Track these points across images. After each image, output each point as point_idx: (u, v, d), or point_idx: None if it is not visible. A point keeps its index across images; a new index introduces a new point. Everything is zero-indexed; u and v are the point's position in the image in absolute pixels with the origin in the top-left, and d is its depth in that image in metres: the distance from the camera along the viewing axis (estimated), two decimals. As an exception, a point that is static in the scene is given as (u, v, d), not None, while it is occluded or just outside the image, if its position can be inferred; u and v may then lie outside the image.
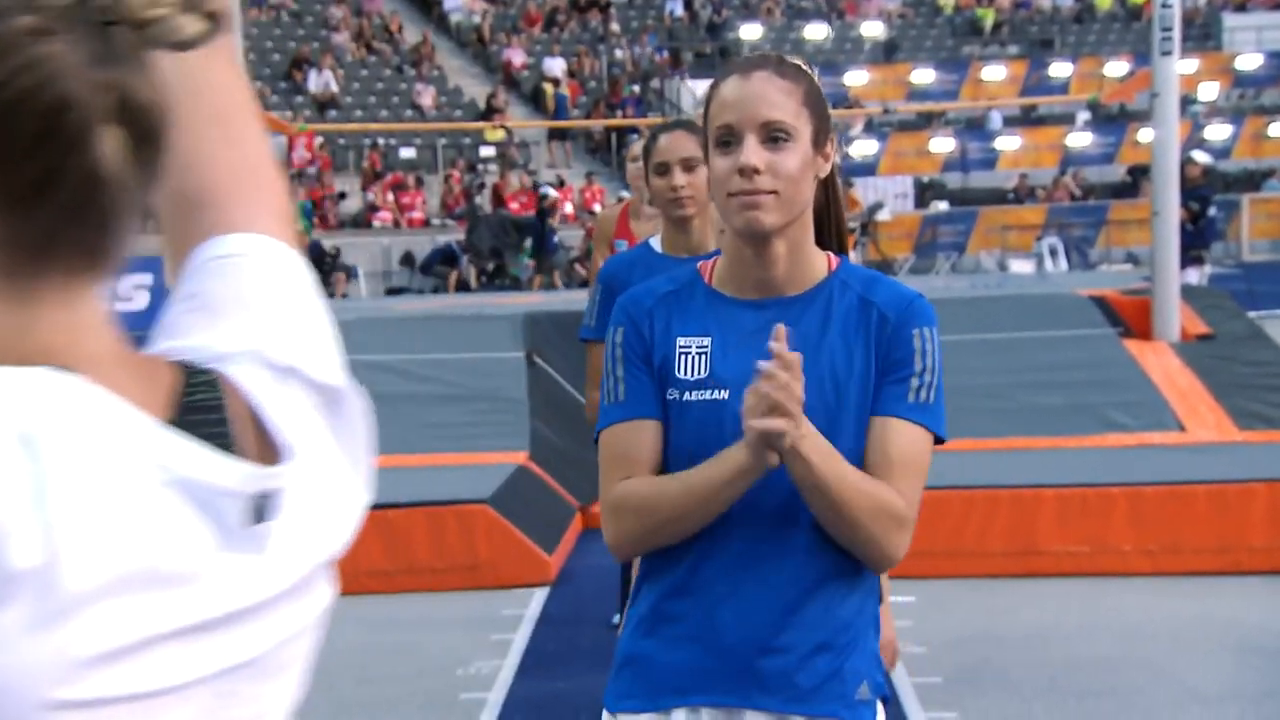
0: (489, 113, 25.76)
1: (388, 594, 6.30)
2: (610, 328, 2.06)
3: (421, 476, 7.04)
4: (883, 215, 24.83)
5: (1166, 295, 8.79)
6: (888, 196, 26.26)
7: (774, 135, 1.93)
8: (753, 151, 1.92)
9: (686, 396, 1.97)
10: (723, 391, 1.95)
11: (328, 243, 21.49)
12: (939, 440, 1.98)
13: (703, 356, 1.98)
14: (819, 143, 1.99)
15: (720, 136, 1.96)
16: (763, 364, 1.78)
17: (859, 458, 1.92)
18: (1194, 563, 6.13)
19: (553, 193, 23.41)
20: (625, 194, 18.20)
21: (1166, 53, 8.72)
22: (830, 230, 2.17)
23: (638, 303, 2.05)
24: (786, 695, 1.93)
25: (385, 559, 6.31)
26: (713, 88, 2.02)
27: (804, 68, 2.02)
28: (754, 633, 1.93)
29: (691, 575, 1.96)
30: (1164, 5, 8.68)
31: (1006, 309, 9.58)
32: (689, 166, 3.47)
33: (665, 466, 1.98)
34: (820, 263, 2.04)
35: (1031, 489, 6.27)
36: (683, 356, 1.99)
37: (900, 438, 1.93)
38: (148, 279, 19.29)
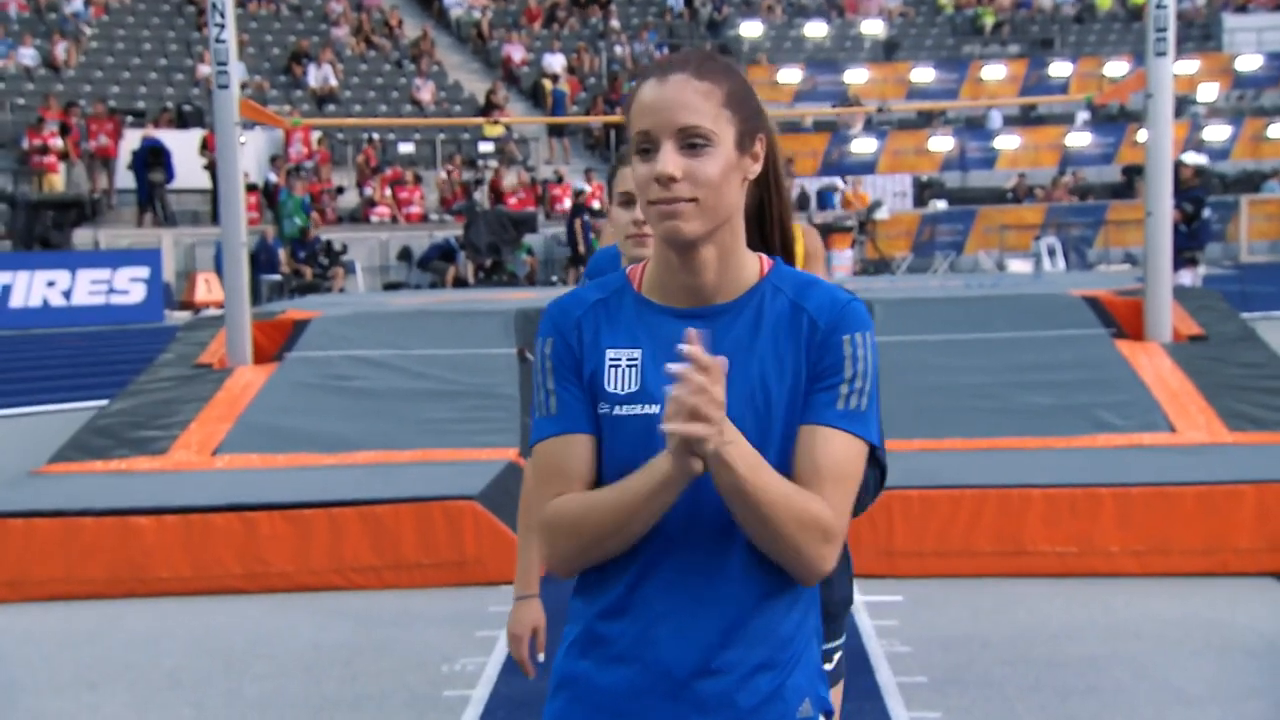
0: (488, 108, 25.74)
1: (375, 589, 6.31)
2: (539, 338, 1.99)
3: (411, 472, 7.04)
4: (881, 214, 24.83)
5: (1159, 296, 8.80)
6: (886, 195, 26.25)
7: (691, 141, 1.87)
8: (669, 159, 1.86)
9: (618, 410, 1.91)
10: (654, 405, 1.87)
11: (324, 237, 21.48)
12: (872, 448, 1.91)
13: (633, 369, 1.92)
14: (745, 144, 1.93)
15: (639, 143, 1.90)
16: (675, 367, 1.73)
17: (790, 468, 1.86)
18: (1181, 564, 6.13)
19: (587, 187, 23.43)
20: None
21: (1161, 54, 8.71)
22: (773, 232, 2.12)
23: (566, 312, 1.98)
24: (726, 716, 1.88)
25: (373, 554, 6.31)
26: (632, 91, 1.95)
27: (730, 66, 1.95)
28: (692, 653, 1.88)
29: (628, 595, 1.90)
30: (1159, 6, 8.67)
31: (1000, 309, 9.58)
32: None
33: (600, 482, 1.91)
34: (752, 267, 1.97)
35: (1020, 489, 6.27)
36: (613, 369, 1.93)
37: (829, 446, 1.86)
38: (144, 272, 19.29)
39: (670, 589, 1.89)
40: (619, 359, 1.93)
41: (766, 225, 2.12)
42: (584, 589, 1.97)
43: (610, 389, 1.92)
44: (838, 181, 25.95)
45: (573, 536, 1.89)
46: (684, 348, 1.73)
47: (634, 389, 1.91)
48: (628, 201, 3.22)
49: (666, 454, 1.79)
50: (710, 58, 1.95)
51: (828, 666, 2.96)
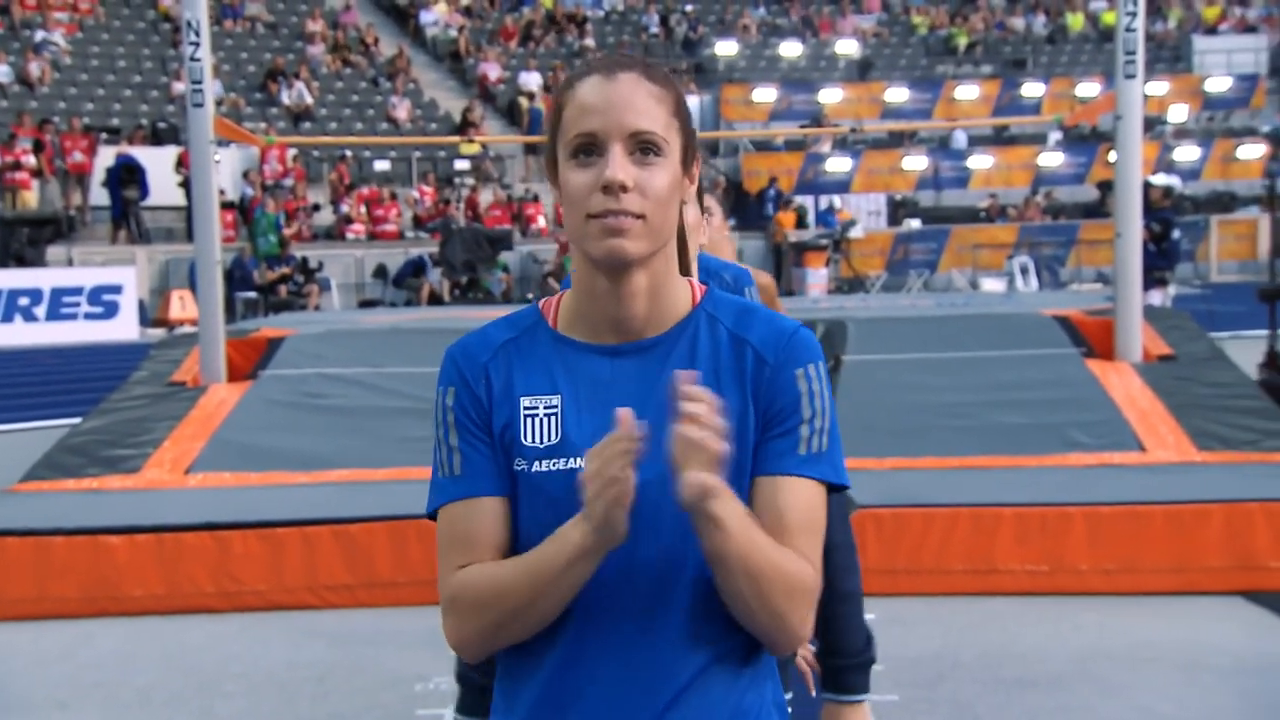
0: (464, 126, 25.77)
1: (349, 608, 6.30)
2: (440, 386, 1.74)
3: (384, 490, 7.04)
4: (855, 232, 24.95)
5: (1129, 316, 8.87)
6: (861, 214, 26.39)
7: (643, 147, 1.65)
8: (620, 165, 1.63)
9: (536, 467, 1.68)
10: (578, 459, 1.64)
11: (300, 254, 21.45)
12: (841, 487, 1.71)
13: (552, 418, 1.69)
14: (687, 161, 1.72)
15: (579, 145, 1.66)
16: (687, 397, 1.53)
17: None
18: (1150, 582, 6.18)
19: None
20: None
21: (1130, 76, 8.80)
22: (687, 261, 1.92)
23: (470, 357, 1.74)
24: None
25: (346, 572, 6.31)
26: (565, 88, 1.71)
27: (670, 74, 1.75)
28: None
29: (559, 685, 1.68)
30: (1128, 29, 8.76)
31: (971, 328, 9.65)
32: None
33: (516, 548, 1.69)
34: (684, 295, 1.75)
35: (991, 508, 6.31)
36: (529, 419, 1.69)
37: (795, 498, 1.67)
38: (119, 290, 19.21)
39: (607, 666, 1.67)
40: (535, 408, 1.70)
41: (684, 254, 1.90)
42: (507, 677, 1.75)
43: (527, 442, 1.69)
44: (837, 200, 26.15)
45: (479, 613, 1.66)
46: (685, 388, 1.54)
47: (554, 441, 1.68)
48: None
49: (580, 520, 1.58)
50: (648, 61, 1.74)
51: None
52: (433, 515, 1.75)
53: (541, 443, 1.68)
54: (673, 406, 1.55)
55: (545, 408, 1.70)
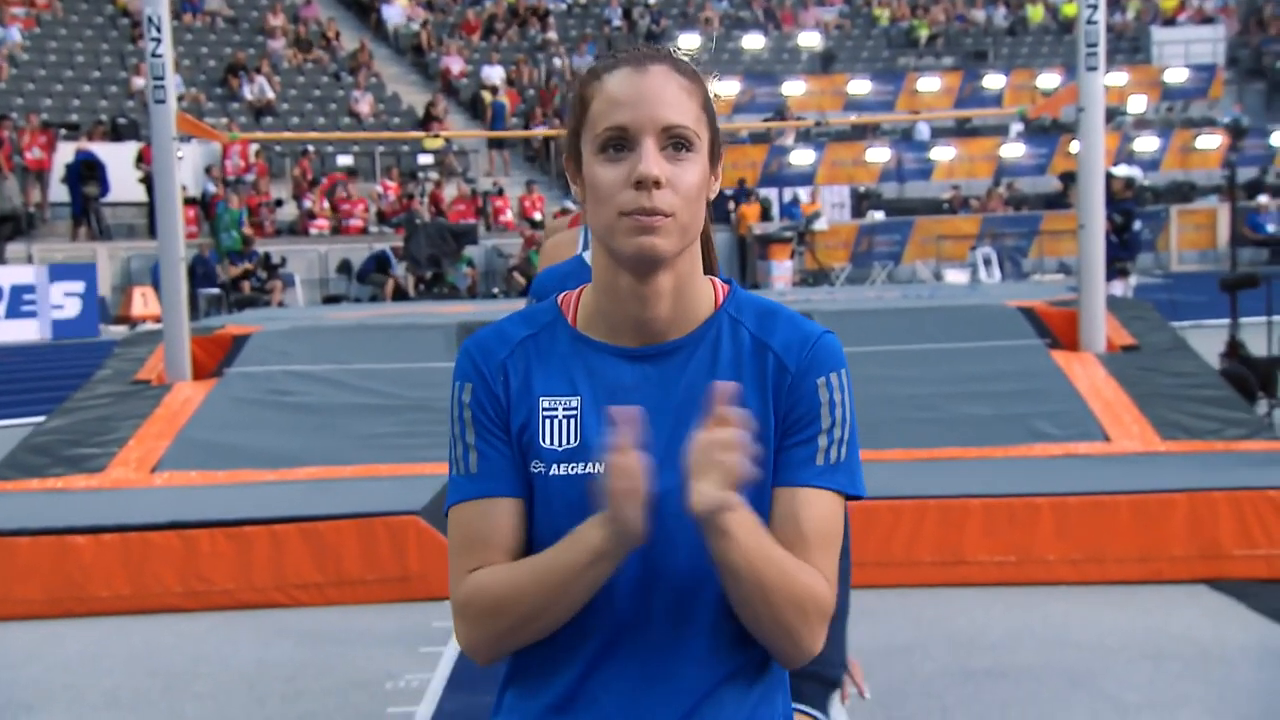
0: (428, 120, 25.69)
1: (317, 606, 6.28)
2: (456, 382, 1.70)
3: (352, 488, 7.02)
4: (820, 225, 25.02)
5: (1093, 307, 8.93)
6: (825, 206, 26.46)
7: (675, 142, 1.62)
8: (654, 160, 1.59)
9: (553, 470, 1.64)
10: (598, 464, 1.60)
11: (262, 250, 21.34)
12: (858, 496, 1.71)
13: (571, 420, 1.66)
14: (714, 158, 1.69)
15: (608, 140, 1.62)
16: (719, 425, 1.51)
17: None
18: (1116, 572, 6.23)
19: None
20: (569, 203, 18.21)
21: (1092, 68, 8.85)
22: (712, 261, 1.88)
23: (488, 353, 1.70)
24: None
25: (315, 571, 6.29)
26: (590, 80, 1.66)
27: (696, 68, 1.70)
28: None
29: (579, 686, 1.66)
30: (1089, 22, 8.81)
31: (936, 320, 9.69)
32: None
33: (531, 552, 1.65)
34: (706, 296, 1.71)
35: (959, 499, 6.35)
36: (547, 421, 1.66)
37: (813, 510, 1.64)
38: (79, 286, 19.05)
39: (624, 677, 1.64)
40: (554, 409, 1.66)
41: (709, 252, 1.86)
42: (520, 679, 1.72)
43: (545, 444, 1.66)
44: (800, 193, 26.22)
45: (493, 618, 1.63)
46: (721, 408, 1.52)
47: (573, 444, 1.65)
48: None
49: (596, 521, 1.56)
50: (677, 55, 1.70)
51: None
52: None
53: (560, 445, 1.65)
54: (704, 415, 1.53)
55: (565, 410, 1.66)
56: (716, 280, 1.75)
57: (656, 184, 1.59)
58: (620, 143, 1.61)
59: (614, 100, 1.61)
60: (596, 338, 1.69)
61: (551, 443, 1.65)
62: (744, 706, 1.67)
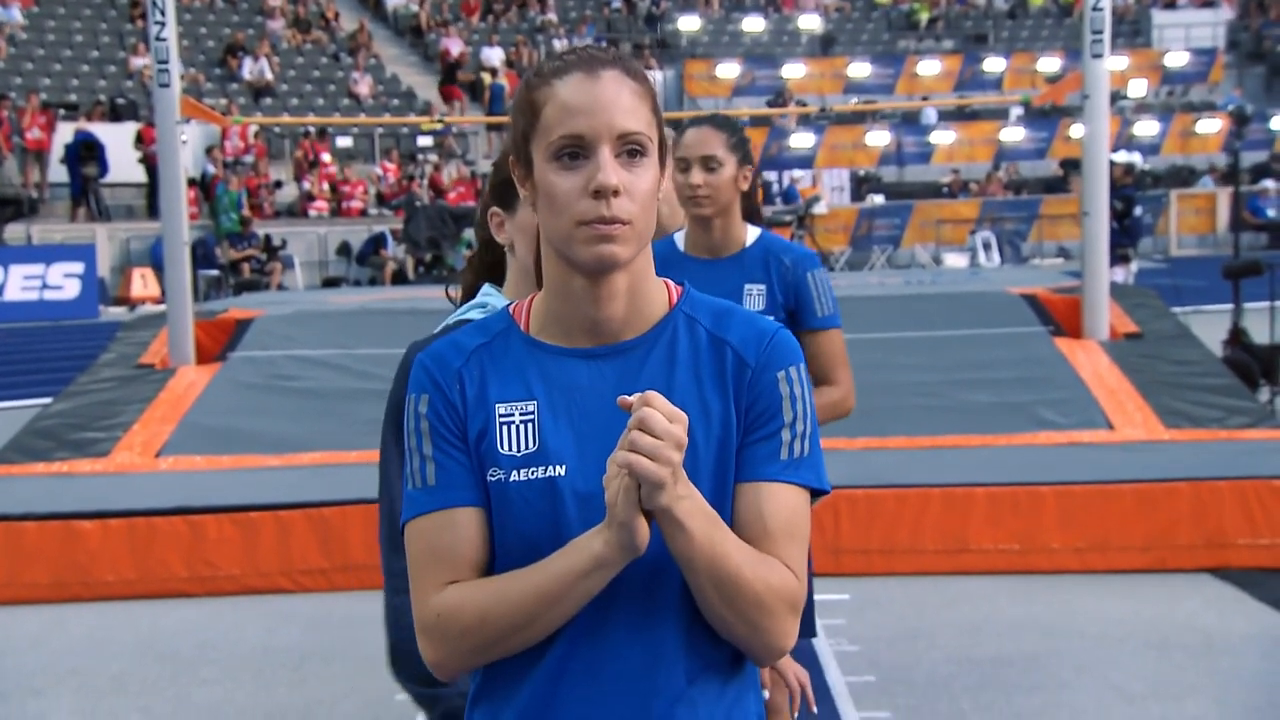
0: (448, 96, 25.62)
1: (324, 592, 6.29)
2: (411, 394, 1.67)
3: (358, 473, 7.01)
4: (819, 208, 24.99)
5: (1096, 294, 8.93)
6: (824, 189, 26.44)
7: (630, 148, 1.60)
8: (612, 169, 1.58)
9: (513, 476, 1.62)
10: (558, 467, 1.61)
11: (263, 231, 21.31)
12: (822, 492, 1.67)
13: (528, 425, 1.63)
14: (663, 157, 1.66)
15: (563, 148, 1.60)
16: (630, 399, 1.51)
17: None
18: (1120, 560, 6.24)
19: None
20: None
21: (1097, 55, 8.84)
22: None
23: (443, 363, 1.67)
24: None
25: (321, 557, 6.30)
26: (540, 84, 1.63)
27: (640, 65, 1.69)
28: None
29: (546, 695, 1.62)
30: (1095, 8, 8.80)
31: (939, 307, 9.70)
32: (709, 166, 3.32)
33: (491, 563, 1.64)
34: (660, 296, 1.69)
35: (963, 487, 6.36)
36: (504, 427, 1.63)
37: (778, 505, 1.62)
38: (79, 268, 19.04)
39: (594, 681, 1.61)
40: (511, 414, 1.64)
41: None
42: (488, 695, 1.68)
43: (504, 450, 1.63)
44: (800, 175, 26.21)
45: (473, 634, 1.60)
46: (628, 399, 1.52)
47: (531, 449, 1.62)
48: (684, 166, 3.32)
49: (599, 530, 1.54)
50: (625, 55, 1.67)
51: None
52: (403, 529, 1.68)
53: (518, 451, 1.62)
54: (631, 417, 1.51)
55: (521, 414, 1.64)
56: (669, 281, 1.72)
57: (616, 192, 1.58)
58: (575, 151, 1.59)
59: (567, 108, 1.59)
60: (550, 341, 1.67)
61: (510, 449, 1.63)
62: (719, 707, 1.65)
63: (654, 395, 1.50)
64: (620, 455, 1.48)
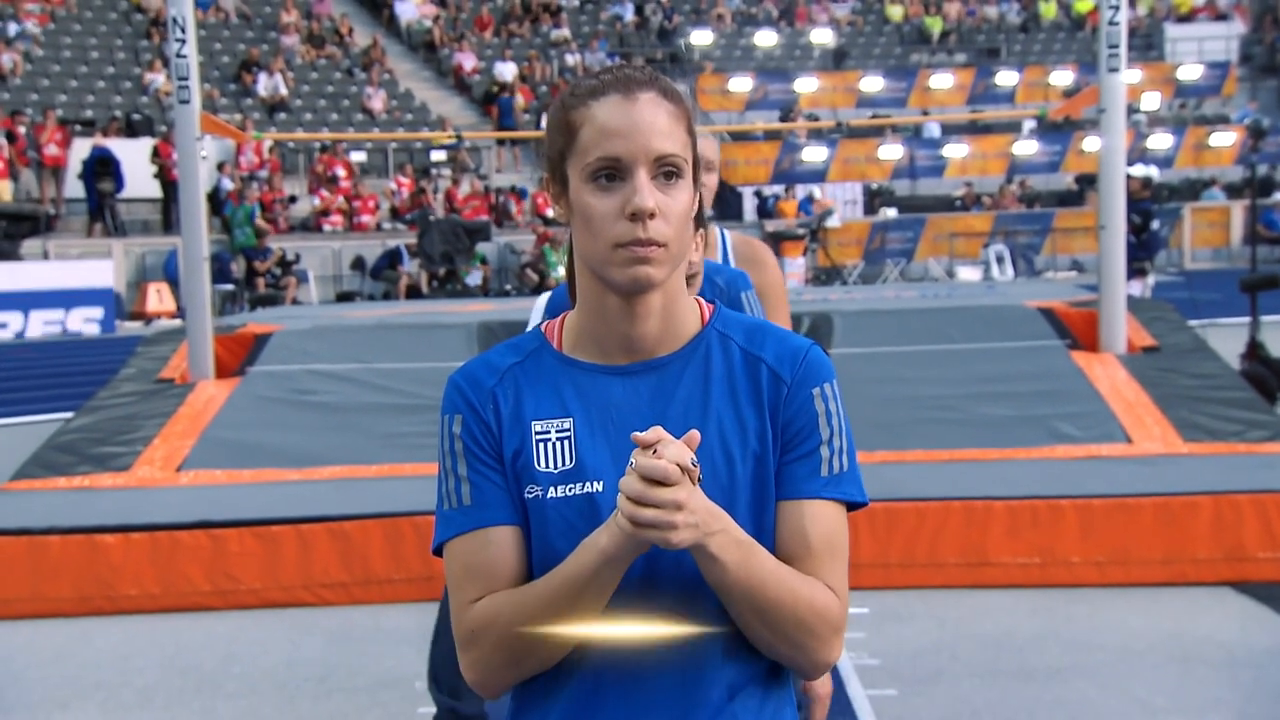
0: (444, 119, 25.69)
1: (345, 606, 6.32)
2: (445, 415, 1.69)
3: (378, 487, 7.05)
4: (832, 222, 25.02)
5: (1113, 308, 8.94)
6: (837, 203, 26.47)
7: (666, 170, 1.61)
8: (649, 192, 1.59)
9: (551, 493, 1.63)
10: (595, 483, 1.62)
11: (276, 246, 21.38)
12: (860, 505, 1.68)
13: (565, 442, 1.64)
14: (696, 177, 1.67)
15: (600, 169, 1.61)
16: (640, 441, 1.49)
17: (769, 548, 1.62)
18: (1140, 574, 6.24)
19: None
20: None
21: (1114, 69, 8.86)
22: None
23: (477, 383, 1.69)
24: None
25: (342, 571, 6.32)
26: (577, 105, 1.64)
27: (676, 87, 1.70)
28: None
29: (582, 712, 1.63)
30: (1111, 23, 8.82)
31: (956, 320, 9.71)
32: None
33: (528, 580, 1.64)
34: (693, 313, 1.71)
35: (982, 501, 6.36)
36: (541, 444, 1.64)
37: (820, 523, 1.63)
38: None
39: (628, 692, 1.62)
40: (547, 432, 1.65)
41: None
42: (525, 708, 1.69)
43: (540, 468, 1.64)
44: (815, 189, 26.25)
45: (505, 643, 1.61)
46: (642, 435, 1.49)
47: (568, 466, 1.63)
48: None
49: (605, 525, 1.55)
50: (660, 75, 1.68)
51: None
52: (438, 551, 1.69)
53: (555, 468, 1.63)
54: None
55: (558, 432, 1.64)
56: (701, 299, 1.74)
57: (652, 215, 1.58)
58: (612, 173, 1.60)
59: (605, 130, 1.60)
60: (584, 359, 1.68)
61: (547, 465, 1.64)
62: (764, 714, 1.65)
63: (663, 443, 1.48)
64: (627, 509, 1.48)
